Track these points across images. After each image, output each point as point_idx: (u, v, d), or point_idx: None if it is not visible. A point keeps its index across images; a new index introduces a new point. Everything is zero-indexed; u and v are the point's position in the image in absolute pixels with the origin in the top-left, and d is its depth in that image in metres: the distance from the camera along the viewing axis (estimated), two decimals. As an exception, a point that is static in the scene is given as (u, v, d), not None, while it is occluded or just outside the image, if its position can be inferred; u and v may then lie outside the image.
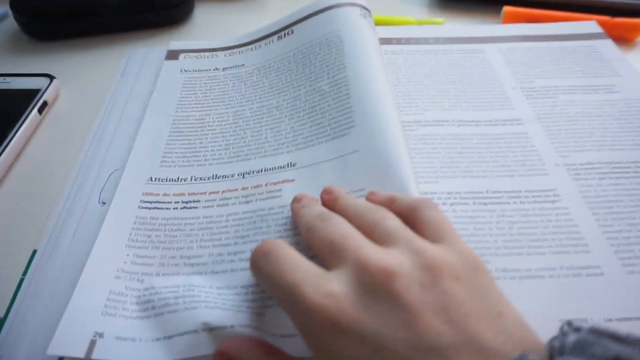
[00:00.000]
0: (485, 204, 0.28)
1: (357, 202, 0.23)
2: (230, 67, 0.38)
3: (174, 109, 0.35)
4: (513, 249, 0.25)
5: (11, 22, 0.45)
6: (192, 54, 0.40)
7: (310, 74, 0.34)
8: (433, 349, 0.15)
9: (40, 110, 0.35)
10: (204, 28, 0.46)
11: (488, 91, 0.35)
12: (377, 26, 0.41)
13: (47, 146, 0.33)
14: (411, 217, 0.21)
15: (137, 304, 0.23)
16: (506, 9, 0.44)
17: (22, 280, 0.25)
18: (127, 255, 0.25)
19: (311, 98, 0.32)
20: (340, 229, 0.20)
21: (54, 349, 0.21)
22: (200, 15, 0.48)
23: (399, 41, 0.40)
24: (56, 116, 0.36)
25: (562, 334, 0.16)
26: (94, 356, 0.21)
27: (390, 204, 0.23)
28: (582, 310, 0.23)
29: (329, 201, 0.24)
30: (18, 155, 0.32)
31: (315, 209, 0.23)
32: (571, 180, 0.29)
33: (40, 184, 0.31)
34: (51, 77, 0.37)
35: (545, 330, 0.22)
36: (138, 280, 0.24)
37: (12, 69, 0.39)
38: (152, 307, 0.23)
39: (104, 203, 0.29)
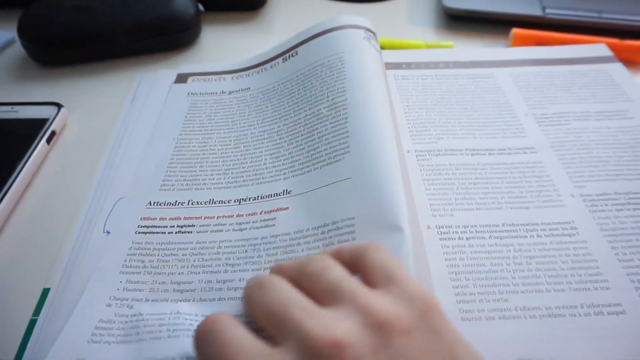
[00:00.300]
0: (501, 237, 0.27)
1: (299, 259, 0.22)
2: (237, 91, 0.38)
3: (178, 132, 0.35)
4: (532, 285, 0.25)
5: (18, 48, 0.45)
6: (200, 77, 0.40)
7: (311, 97, 0.33)
8: None
9: (48, 140, 0.34)
10: (211, 50, 0.46)
11: (500, 118, 0.35)
12: (386, 50, 0.41)
13: (56, 177, 0.33)
14: (359, 262, 0.21)
15: (123, 329, 0.23)
16: (515, 31, 0.43)
17: (33, 321, 0.25)
18: (121, 281, 0.25)
19: (310, 122, 0.32)
20: (279, 294, 0.19)
21: None
22: (208, 37, 0.47)
23: (408, 66, 0.40)
24: (64, 146, 0.36)
25: None
26: None
27: (338, 254, 0.22)
28: (606, 351, 0.22)
29: (277, 271, 0.23)
30: (26, 187, 0.32)
31: (254, 278, 0.21)
32: (588, 212, 0.28)
33: (50, 217, 0.30)
34: (59, 106, 0.36)
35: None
36: (127, 306, 0.24)
37: (20, 97, 0.39)
38: (136, 333, 0.23)
39: (109, 232, 0.28)
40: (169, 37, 0.44)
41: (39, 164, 0.33)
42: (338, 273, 0.20)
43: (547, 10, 0.45)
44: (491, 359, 0.22)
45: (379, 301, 0.18)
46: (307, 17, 0.50)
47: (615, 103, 0.36)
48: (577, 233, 0.27)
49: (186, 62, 0.44)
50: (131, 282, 0.25)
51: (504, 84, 0.38)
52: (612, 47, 0.41)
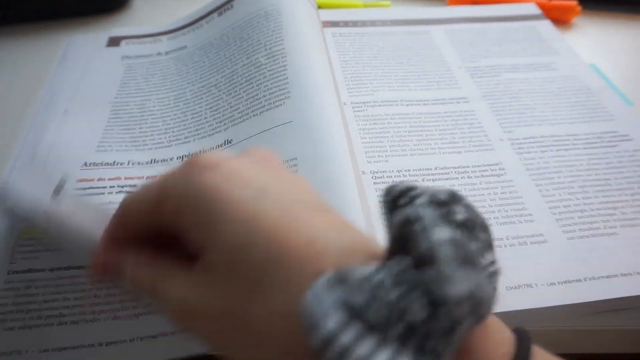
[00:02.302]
0: (434, 180, 0.28)
1: None
2: (173, 51, 0.37)
3: (114, 95, 0.34)
4: (462, 222, 0.26)
5: None
6: (134, 40, 0.39)
7: (248, 47, 0.33)
8: None
9: (-38, 103, 0.32)
10: (144, 12, 0.44)
11: (435, 71, 0.36)
12: (325, 9, 0.41)
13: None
14: None
15: None
16: (451, -9, 0.44)
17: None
18: None
19: (248, 71, 0.31)
20: None
21: None
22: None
23: (346, 24, 0.40)
24: (-18, 109, 0.33)
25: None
26: None
27: None
28: (528, 276, 0.23)
29: None
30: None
31: None
32: (515, 154, 0.30)
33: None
34: (-26, 67, 0.34)
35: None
36: None
37: None
38: None
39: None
40: (98, -3, 0.41)
41: (-48, 127, 0.31)
42: None
43: (481, -28, 0.46)
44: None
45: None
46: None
47: (542, 56, 0.38)
48: (505, 173, 0.28)
49: (118, 26, 0.42)
50: None
51: (440, 40, 0.39)
52: (541, 6, 0.43)
